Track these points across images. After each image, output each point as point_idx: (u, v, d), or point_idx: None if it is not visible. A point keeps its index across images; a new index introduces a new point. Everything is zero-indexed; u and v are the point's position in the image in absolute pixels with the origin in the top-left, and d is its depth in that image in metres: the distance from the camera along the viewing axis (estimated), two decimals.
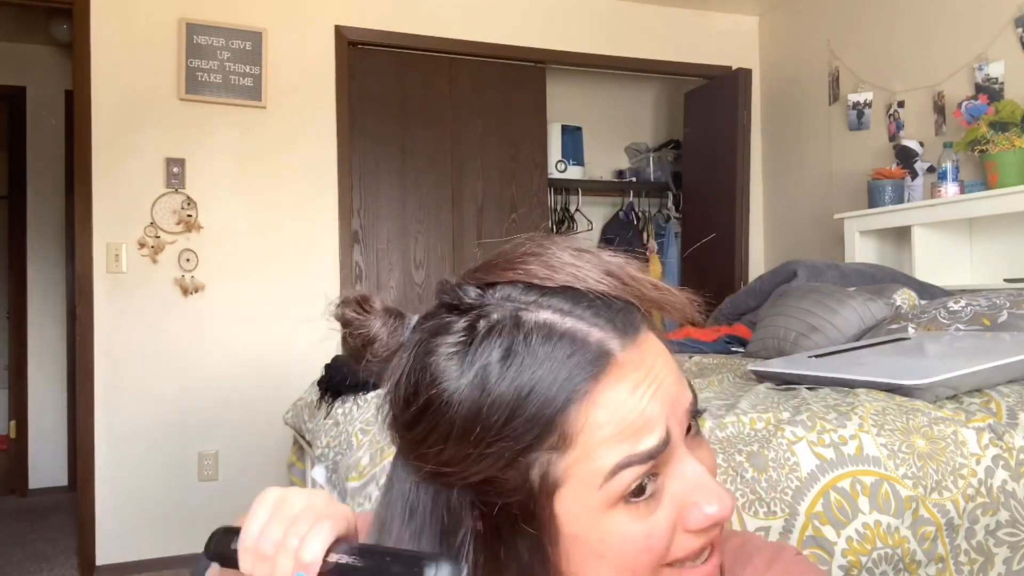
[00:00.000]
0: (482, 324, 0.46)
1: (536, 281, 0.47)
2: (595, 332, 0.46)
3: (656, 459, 0.45)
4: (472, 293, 0.48)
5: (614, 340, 0.46)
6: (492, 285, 0.48)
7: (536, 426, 0.44)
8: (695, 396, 0.50)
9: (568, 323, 0.46)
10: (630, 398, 0.45)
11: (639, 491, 0.45)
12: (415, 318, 0.51)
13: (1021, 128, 2.56)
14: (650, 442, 0.45)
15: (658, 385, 0.46)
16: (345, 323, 0.52)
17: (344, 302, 0.53)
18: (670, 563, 0.47)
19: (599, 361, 0.45)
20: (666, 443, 0.46)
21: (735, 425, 1.11)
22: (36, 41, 4.23)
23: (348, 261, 3.34)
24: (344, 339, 0.53)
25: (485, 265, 0.50)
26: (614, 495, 0.45)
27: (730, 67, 3.96)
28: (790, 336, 2.08)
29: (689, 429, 0.49)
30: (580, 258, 0.48)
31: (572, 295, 0.47)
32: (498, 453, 0.45)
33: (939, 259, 2.87)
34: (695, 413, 0.49)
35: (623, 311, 0.47)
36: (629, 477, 0.45)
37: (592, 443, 0.45)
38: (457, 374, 0.45)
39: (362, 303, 0.52)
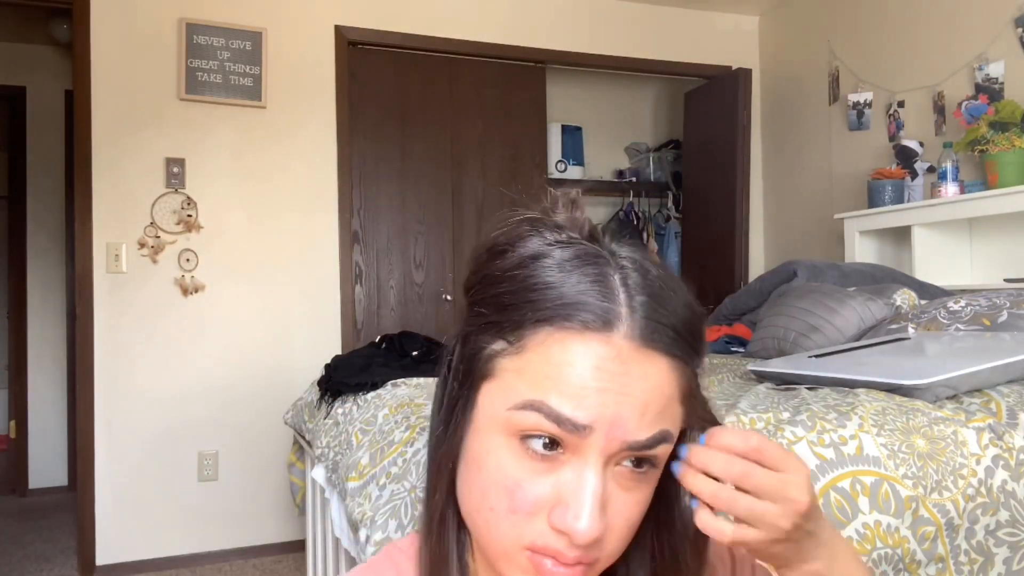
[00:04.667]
0: (591, 249, 0.50)
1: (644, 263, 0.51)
2: (623, 310, 0.47)
3: (563, 429, 0.46)
4: (612, 246, 0.51)
5: (624, 327, 0.46)
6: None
7: (524, 311, 0.47)
8: (654, 446, 0.48)
9: (619, 292, 0.47)
10: (587, 371, 0.46)
11: (545, 444, 0.47)
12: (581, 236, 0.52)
13: (1021, 128, 2.56)
14: (569, 410, 0.45)
15: (618, 393, 0.46)
16: (553, 199, 0.54)
17: (564, 195, 0.54)
18: (530, 547, 0.47)
19: (598, 322, 0.46)
20: (578, 429, 0.46)
21: (735, 425, 1.11)
22: (36, 41, 4.23)
23: (348, 261, 3.34)
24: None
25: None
26: (515, 426, 0.47)
27: (730, 67, 3.96)
28: (790, 336, 2.08)
29: (641, 464, 0.48)
30: (677, 290, 0.50)
31: (652, 283, 0.49)
32: (490, 314, 0.49)
33: (939, 259, 2.87)
34: (640, 458, 0.48)
35: (661, 329, 0.47)
36: (531, 421, 0.46)
37: (532, 367, 0.47)
38: (532, 250, 0.50)
39: (572, 204, 0.54)
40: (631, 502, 0.49)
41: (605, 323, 0.46)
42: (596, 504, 0.46)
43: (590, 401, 0.45)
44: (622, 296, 0.47)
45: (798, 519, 0.49)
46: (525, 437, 0.47)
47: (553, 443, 0.47)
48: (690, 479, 0.49)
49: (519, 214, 0.53)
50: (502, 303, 0.49)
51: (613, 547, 0.49)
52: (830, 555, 0.53)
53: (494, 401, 0.48)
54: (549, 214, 0.53)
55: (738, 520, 0.49)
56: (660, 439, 0.48)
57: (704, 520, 0.48)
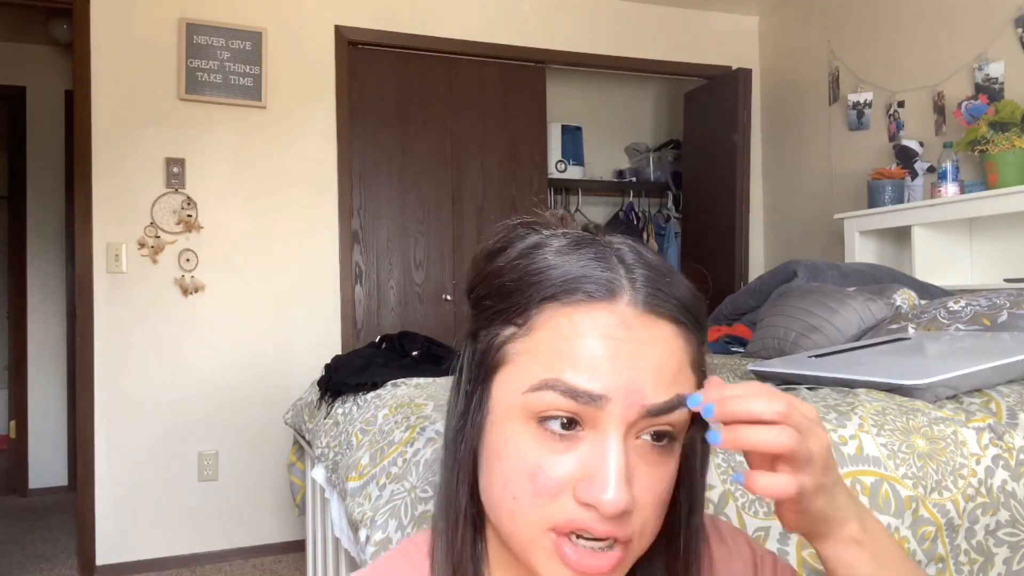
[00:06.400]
0: (586, 236, 0.53)
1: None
2: (624, 280, 0.49)
3: (580, 403, 0.46)
4: (606, 237, 0.53)
5: (627, 295, 0.48)
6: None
7: (529, 293, 0.49)
8: (671, 410, 0.47)
9: (618, 266, 0.49)
10: (596, 340, 0.47)
11: (563, 424, 0.47)
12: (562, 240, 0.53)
13: (1021, 128, 2.56)
14: (584, 382, 0.46)
15: (629, 359, 0.46)
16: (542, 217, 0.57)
17: (553, 215, 0.57)
18: (555, 528, 0.47)
19: (601, 291, 0.48)
20: (595, 400, 0.46)
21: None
22: (36, 41, 4.23)
23: (348, 261, 3.34)
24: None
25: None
26: (532, 409, 0.47)
27: (730, 67, 3.96)
28: (790, 336, 2.07)
29: (661, 437, 0.48)
30: (675, 275, 0.52)
31: (649, 261, 0.51)
32: (496, 304, 0.51)
33: (939, 259, 2.87)
34: (661, 433, 0.48)
35: (663, 296, 0.49)
36: (547, 400, 0.46)
37: (542, 345, 0.48)
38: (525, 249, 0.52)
39: (562, 221, 0.56)
40: (657, 476, 0.48)
41: (608, 292, 0.48)
42: (621, 474, 0.45)
43: (603, 370, 0.46)
44: (622, 269, 0.49)
45: (831, 456, 0.48)
46: (543, 419, 0.47)
47: (571, 422, 0.47)
48: (743, 435, 0.46)
49: (515, 219, 0.55)
50: (507, 290, 0.50)
51: (644, 526, 0.48)
52: (859, 515, 0.51)
53: (508, 388, 0.49)
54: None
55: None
56: (677, 403, 0.48)
57: (763, 482, 0.46)
